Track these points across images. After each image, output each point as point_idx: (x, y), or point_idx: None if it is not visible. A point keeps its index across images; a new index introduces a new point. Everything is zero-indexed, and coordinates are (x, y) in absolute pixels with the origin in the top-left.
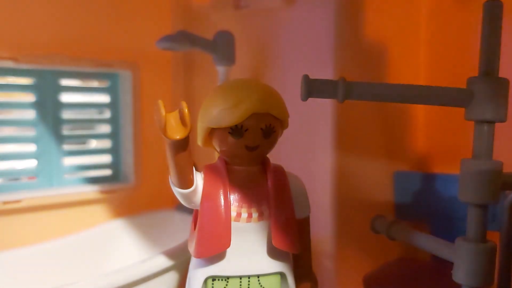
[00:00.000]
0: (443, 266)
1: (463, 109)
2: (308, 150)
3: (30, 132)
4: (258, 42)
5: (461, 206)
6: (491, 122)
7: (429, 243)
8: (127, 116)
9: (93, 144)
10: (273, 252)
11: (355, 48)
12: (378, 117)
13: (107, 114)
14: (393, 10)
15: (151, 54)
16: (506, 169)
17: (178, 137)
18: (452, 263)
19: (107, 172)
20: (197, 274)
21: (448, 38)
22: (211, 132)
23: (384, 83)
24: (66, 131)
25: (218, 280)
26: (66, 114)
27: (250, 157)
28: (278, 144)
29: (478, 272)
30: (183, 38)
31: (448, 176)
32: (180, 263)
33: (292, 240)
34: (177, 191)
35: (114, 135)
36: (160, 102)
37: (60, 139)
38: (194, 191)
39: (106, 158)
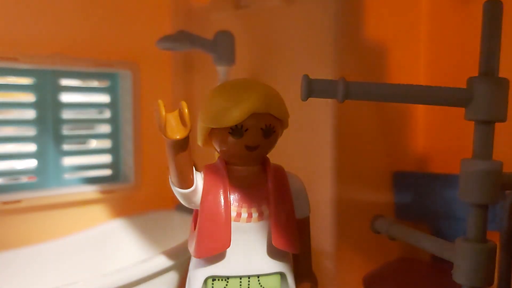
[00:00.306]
0: (443, 266)
1: (463, 109)
2: (308, 150)
3: (30, 132)
4: (258, 42)
5: (461, 206)
6: (491, 122)
7: (429, 243)
8: (127, 116)
9: (93, 144)
10: (273, 252)
11: (355, 48)
12: (378, 117)
13: (107, 114)
14: (393, 10)
15: (151, 54)
16: (506, 169)
17: (178, 137)
18: (452, 263)
19: (107, 172)
20: (197, 274)
21: (448, 38)
22: (211, 132)
23: (384, 83)
24: (66, 131)
25: (218, 280)
26: (66, 114)
27: (250, 157)
28: (278, 144)
29: (478, 272)
30: (183, 38)
31: (448, 176)
32: (180, 263)
33: (292, 240)
34: (177, 191)
35: (114, 135)
36: (160, 102)
37: (60, 139)
38: (194, 191)
39: (106, 158)
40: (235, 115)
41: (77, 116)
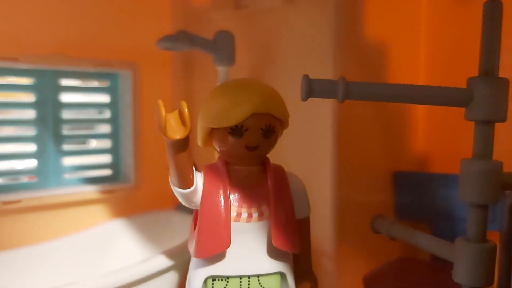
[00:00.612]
0: (443, 266)
1: (463, 109)
2: (308, 150)
3: (30, 132)
4: (258, 42)
5: (461, 206)
6: (491, 122)
7: (429, 243)
8: (127, 116)
9: (93, 144)
10: (273, 252)
11: (355, 48)
12: (378, 117)
13: (107, 114)
14: (393, 10)
15: (151, 54)
16: (506, 169)
17: (178, 137)
18: (452, 263)
19: (107, 172)
20: (197, 274)
21: (448, 38)
22: (211, 132)
23: (384, 83)
24: (66, 131)
25: (218, 280)
26: (66, 114)
27: (250, 157)
28: (278, 144)
29: (478, 272)
30: (183, 38)
31: (448, 176)
32: (180, 263)
33: (292, 240)
34: (177, 191)
35: (114, 135)
36: (160, 102)
37: (60, 139)
38: (194, 191)
39: (106, 158)
40: (235, 115)
41: (77, 116)
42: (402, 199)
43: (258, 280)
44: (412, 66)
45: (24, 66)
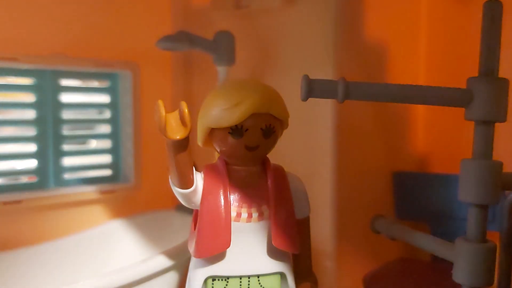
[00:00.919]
0: (443, 266)
1: (463, 109)
2: (308, 150)
3: (30, 132)
4: (258, 42)
5: (461, 206)
6: (491, 122)
7: (429, 243)
8: (127, 116)
9: (93, 144)
10: (273, 252)
11: (355, 48)
12: (378, 117)
13: (107, 114)
14: (393, 10)
15: (151, 54)
16: (506, 169)
17: (178, 137)
18: (452, 263)
19: (107, 172)
20: (197, 274)
21: (448, 38)
22: (211, 132)
23: (384, 83)
24: (66, 131)
25: (218, 280)
26: (66, 114)
27: (250, 157)
28: (278, 144)
29: (478, 272)
30: (183, 38)
31: (448, 176)
32: (180, 263)
33: (292, 240)
34: (177, 191)
35: (114, 135)
36: (160, 102)
37: (60, 139)
38: (194, 191)
39: (106, 158)
40: (235, 115)
41: (77, 116)
42: (402, 199)
43: (258, 280)
44: (412, 66)
45: (24, 66)
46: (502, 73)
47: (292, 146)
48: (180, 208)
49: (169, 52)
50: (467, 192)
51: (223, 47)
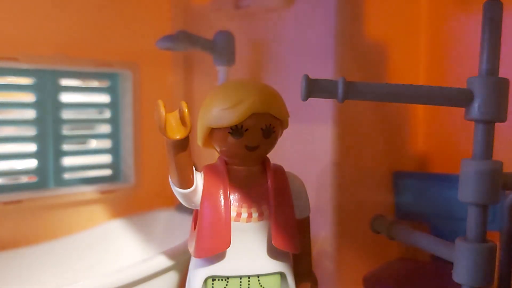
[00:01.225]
0: (443, 266)
1: (463, 109)
2: (308, 150)
3: (30, 132)
4: (258, 42)
5: (461, 206)
6: (491, 122)
7: (429, 243)
8: (127, 116)
9: (93, 144)
10: (273, 252)
11: (355, 48)
12: (378, 117)
13: (107, 114)
14: (393, 10)
15: (151, 54)
16: (506, 169)
17: (178, 137)
18: (452, 263)
19: (107, 172)
20: (197, 274)
21: (448, 38)
22: (211, 132)
23: (384, 83)
24: (66, 131)
25: (218, 280)
26: (66, 114)
27: (250, 157)
28: (278, 144)
29: (478, 272)
30: (183, 38)
31: (448, 176)
32: (180, 263)
33: (292, 240)
34: (177, 191)
35: (114, 135)
36: (160, 102)
37: (60, 139)
38: (194, 191)
39: (106, 158)
40: (235, 115)
41: (77, 116)
42: (402, 199)
43: (258, 280)
44: (412, 66)
45: (24, 66)
46: (502, 73)
47: (292, 146)
48: (180, 208)
49: (169, 52)
50: (467, 192)
51: (223, 47)
